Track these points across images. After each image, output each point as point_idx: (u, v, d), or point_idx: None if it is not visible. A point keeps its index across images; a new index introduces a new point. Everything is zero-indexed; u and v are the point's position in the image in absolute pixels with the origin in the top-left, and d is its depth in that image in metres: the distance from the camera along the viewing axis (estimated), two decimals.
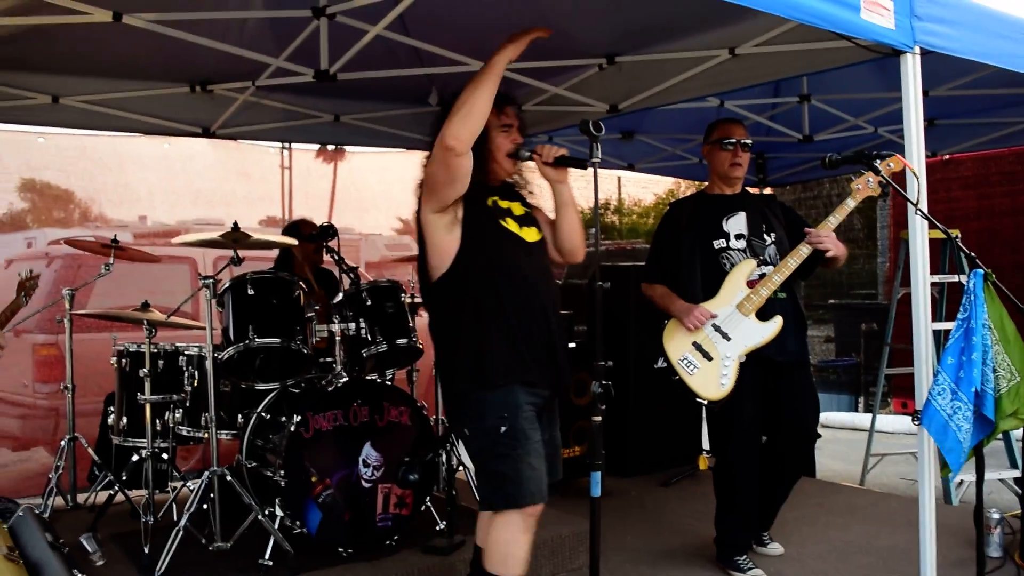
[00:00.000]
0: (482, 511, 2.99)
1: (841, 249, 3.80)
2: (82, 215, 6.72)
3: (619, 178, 19.21)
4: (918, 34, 3.24)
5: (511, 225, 3.04)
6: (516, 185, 3.20)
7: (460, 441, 3.14)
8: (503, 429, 2.81)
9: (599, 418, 2.24)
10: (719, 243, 3.93)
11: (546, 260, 3.15)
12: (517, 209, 3.13)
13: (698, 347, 3.74)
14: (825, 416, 8.87)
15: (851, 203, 3.69)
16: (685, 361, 3.73)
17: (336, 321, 4.03)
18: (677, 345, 3.76)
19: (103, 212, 6.54)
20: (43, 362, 5.86)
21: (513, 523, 2.83)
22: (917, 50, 3.25)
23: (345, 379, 3.91)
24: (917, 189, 3.20)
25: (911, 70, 3.25)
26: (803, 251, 3.73)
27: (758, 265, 3.84)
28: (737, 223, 3.96)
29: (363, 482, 3.86)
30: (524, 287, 2.96)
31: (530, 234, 3.10)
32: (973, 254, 3.24)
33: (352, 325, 4.04)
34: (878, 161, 3.34)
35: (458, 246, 2.96)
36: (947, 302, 5.72)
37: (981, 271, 3.18)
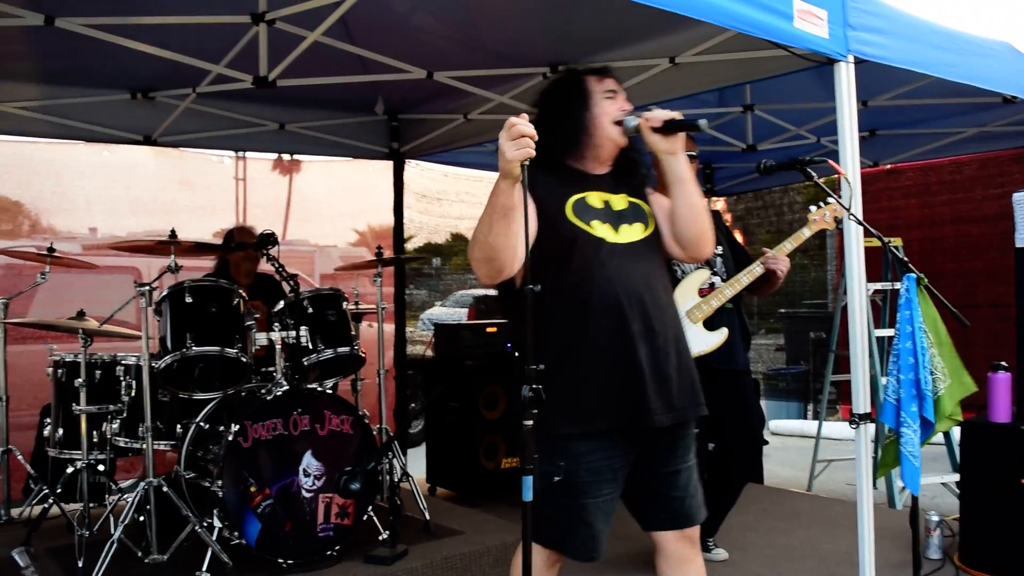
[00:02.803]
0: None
1: (781, 277, 3.93)
2: (31, 227, 6.58)
3: None
4: (851, 43, 3.29)
5: (597, 228, 2.49)
6: (632, 168, 2.65)
7: None
8: (556, 479, 2.43)
9: (530, 422, 2.22)
10: None
11: (650, 264, 2.56)
12: (618, 203, 2.58)
13: None
14: (775, 424, 8.97)
15: (807, 232, 3.89)
16: None
17: (277, 329, 3.99)
18: None
19: (52, 224, 6.41)
20: None
21: (542, 555, 2.51)
22: (851, 59, 3.30)
23: (285, 387, 3.86)
24: (850, 195, 3.24)
25: (844, 78, 3.31)
26: (756, 270, 3.86)
27: (710, 275, 3.93)
28: None
29: (304, 492, 3.81)
30: (604, 307, 2.42)
31: (628, 233, 2.54)
32: (907, 259, 3.29)
33: (293, 333, 3.99)
34: (830, 194, 3.37)
35: (525, 263, 2.44)
36: (890, 310, 5.81)
37: (914, 275, 3.23)
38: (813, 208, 3.81)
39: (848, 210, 3.19)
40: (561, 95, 2.60)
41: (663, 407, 2.44)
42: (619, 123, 2.54)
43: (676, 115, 2.46)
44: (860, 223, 3.23)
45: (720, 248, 4.06)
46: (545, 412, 2.37)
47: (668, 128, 2.45)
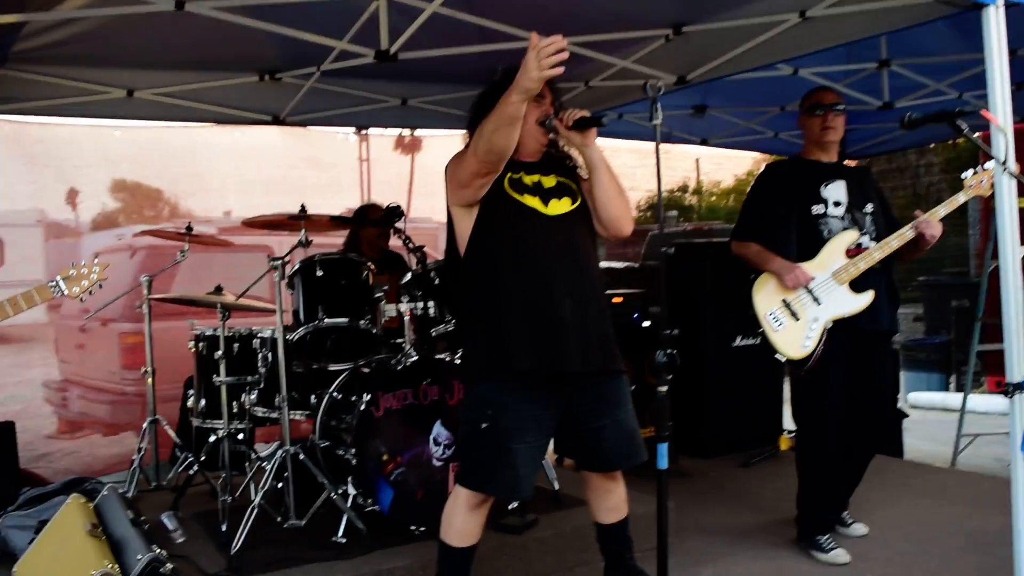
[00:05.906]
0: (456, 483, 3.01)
1: (931, 243, 3.79)
2: (171, 212, 6.90)
3: (697, 160, 18.98)
4: None
5: (529, 200, 2.90)
6: (560, 158, 3.07)
7: None
8: (484, 426, 2.82)
9: (664, 388, 2.18)
10: (817, 209, 3.87)
11: (576, 234, 2.96)
12: (548, 181, 2.98)
13: (787, 305, 3.76)
14: (914, 396, 8.57)
15: (962, 198, 3.73)
16: (772, 316, 3.76)
17: (405, 301, 4.04)
18: (766, 300, 3.79)
19: (190, 208, 6.70)
20: (129, 349, 6.03)
21: (462, 497, 2.91)
22: (1000, 2, 3.08)
23: (414, 358, 3.91)
24: (1004, 146, 3.03)
25: (994, 23, 3.09)
26: (908, 234, 3.75)
27: (859, 236, 3.82)
28: (836, 191, 3.90)
29: (434, 460, 3.86)
30: (533, 266, 2.84)
31: (557, 207, 2.94)
32: None
33: (420, 304, 4.04)
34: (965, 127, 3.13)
35: (471, 230, 2.94)
36: None
37: None
38: (969, 173, 3.63)
39: (1003, 163, 2.98)
40: (496, 98, 2.84)
41: (579, 357, 2.81)
42: (541, 123, 2.93)
43: (585, 113, 2.86)
44: (1014, 176, 3.01)
45: (871, 206, 3.92)
46: (475, 359, 2.91)
47: (580, 125, 2.86)
